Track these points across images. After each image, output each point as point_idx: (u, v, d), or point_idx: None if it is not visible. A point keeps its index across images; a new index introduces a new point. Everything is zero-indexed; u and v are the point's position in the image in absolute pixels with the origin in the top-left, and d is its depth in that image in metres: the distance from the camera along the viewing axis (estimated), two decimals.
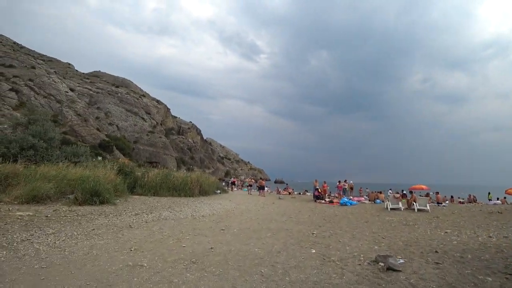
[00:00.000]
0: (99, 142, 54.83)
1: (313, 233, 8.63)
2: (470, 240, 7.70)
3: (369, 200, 19.70)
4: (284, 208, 15.36)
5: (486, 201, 24.27)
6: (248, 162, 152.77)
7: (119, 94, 78.54)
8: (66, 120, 54.57)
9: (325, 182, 22.02)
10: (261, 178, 29.84)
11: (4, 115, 44.69)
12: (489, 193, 26.43)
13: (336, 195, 21.27)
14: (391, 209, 14.69)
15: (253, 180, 27.26)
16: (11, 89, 53.80)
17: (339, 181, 21.67)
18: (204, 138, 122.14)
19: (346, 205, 16.95)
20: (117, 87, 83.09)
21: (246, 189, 35.53)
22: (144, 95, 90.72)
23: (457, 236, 8.34)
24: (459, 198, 25.68)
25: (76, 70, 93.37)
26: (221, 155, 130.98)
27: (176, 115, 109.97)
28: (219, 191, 24.61)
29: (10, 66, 62.84)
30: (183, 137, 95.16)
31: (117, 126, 71.18)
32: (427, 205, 14.34)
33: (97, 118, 67.80)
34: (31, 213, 8.65)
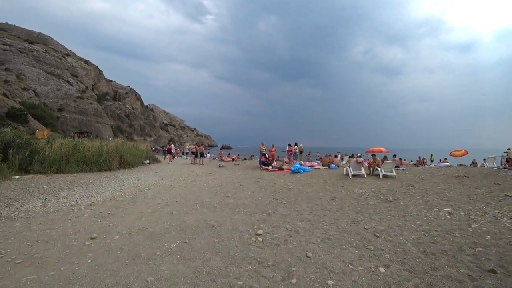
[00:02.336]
0: (7, 110, 44.16)
1: (257, 234, 4.88)
2: (501, 229, 4.63)
3: (323, 165, 16.86)
4: (221, 180, 11.50)
5: (430, 163, 23.50)
6: (194, 128, 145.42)
7: (34, 53, 64.38)
8: None
9: (273, 146, 18.52)
10: (197, 144, 25.26)
11: None
12: (431, 155, 25.84)
13: (286, 160, 18.08)
14: (352, 175, 11.75)
15: (195, 147, 22.68)
16: None
17: (289, 145, 18.38)
18: (146, 104, 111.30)
19: (298, 172, 13.72)
20: (31, 43, 68.08)
21: (185, 157, 31.03)
22: (69, 54, 76.52)
23: (474, 221, 5.29)
24: (411, 161, 24.60)
25: None
26: (165, 122, 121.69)
27: (112, 79, 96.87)
28: (147, 161, 19.81)
29: None
30: (120, 103, 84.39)
31: (34, 91, 58.80)
32: (393, 170, 11.67)
33: (6, 82, 54.87)
34: None
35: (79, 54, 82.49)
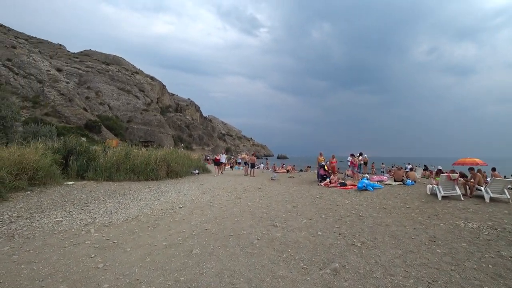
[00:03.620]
0: (85, 122, 48.82)
1: None
2: None
3: (395, 181, 13.63)
4: (271, 198, 9.33)
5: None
6: (251, 138, 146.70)
7: (110, 72, 71.62)
8: (48, 100, 48.47)
9: (333, 157, 15.66)
10: (247, 153, 23.42)
11: None
12: None
13: (348, 173, 15.22)
14: (443, 197, 8.59)
15: (246, 156, 21.08)
16: None
17: (352, 155, 15.41)
18: (205, 115, 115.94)
19: (366, 189, 10.88)
20: (107, 64, 75.93)
21: (237, 166, 29.70)
22: (137, 72, 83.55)
23: None
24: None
25: (68, 51, 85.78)
26: (223, 132, 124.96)
27: (175, 93, 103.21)
28: (197, 171, 18.72)
29: None
30: (181, 114, 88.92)
31: (108, 105, 64.98)
32: (505, 190, 8.22)
33: (87, 98, 61.55)
34: None
35: (146, 72, 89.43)
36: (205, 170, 20.70)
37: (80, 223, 6.07)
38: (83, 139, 34.41)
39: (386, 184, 13.08)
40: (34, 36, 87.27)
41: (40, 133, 19.03)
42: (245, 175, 19.47)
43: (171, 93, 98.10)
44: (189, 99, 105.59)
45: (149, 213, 7.07)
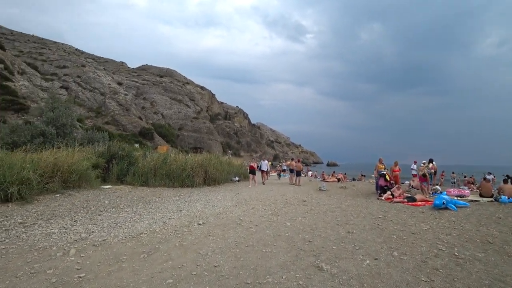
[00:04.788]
0: (140, 130, 51.43)
1: None
2: None
3: (481, 196, 10.43)
4: (317, 216, 7.15)
5: None
6: (299, 145, 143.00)
7: (163, 84, 75.64)
8: (109, 110, 52.27)
9: (395, 164, 12.56)
10: (293, 159, 20.98)
11: None
12: None
13: (412, 184, 12.27)
14: None
15: (293, 163, 19.03)
16: (62, 87, 53.44)
17: (415, 162, 12.18)
18: (254, 123, 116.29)
19: (447, 208, 8.09)
20: (161, 77, 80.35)
21: (284, 174, 27.63)
22: (188, 82, 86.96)
23: None
24: None
25: (128, 67, 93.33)
26: (271, 139, 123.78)
27: (224, 102, 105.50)
28: (236, 179, 17.22)
29: (64, 66, 63.37)
30: (230, 122, 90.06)
31: (162, 114, 68.26)
32: None
33: (142, 108, 65.48)
34: None
35: (196, 82, 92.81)
36: (247, 178, 19.16)
37: (70, 238, 4.98)
38: (137, 145, 35.99)
39: (470, 200, 9.98)
40: (101, 56, 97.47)
41: (94, 139, 19.90)
42: (290, 184, 17.43)
43: (220, 102, 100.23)
44: (237, 107, 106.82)
45: (157, 230, 5.57)
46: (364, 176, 26.19)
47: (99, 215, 6.79)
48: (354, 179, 23.99)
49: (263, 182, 17.02)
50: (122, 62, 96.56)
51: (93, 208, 7.46)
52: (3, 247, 4.47)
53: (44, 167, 9.52)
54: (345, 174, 24.75)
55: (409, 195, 10.37)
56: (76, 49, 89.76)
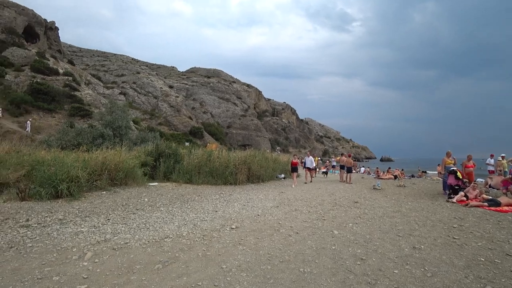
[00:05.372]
0: (190, 129, 53.43)
1: None
2: None
3: None
4: (372, 223, 5.79)
5: None
6: (350, 139, 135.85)
7: (211, 84, 77.63)
8: (161, 112, 55.24)
9: (469, 159, 10.22)
10: (343, 154, 19.07)
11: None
12: None
13: (494, 183, 10.02)
14: None
15: (343, 158, 17.50)
16: (120, 93, 58.11)
17: (491, 156, 9.70)
18: (302, 118, 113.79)
19: None
20: (209, 78, 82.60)
21: (333, 170, 25.91)
22: (235, 81, 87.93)
23: None
24: None
25: (178, 71, 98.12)
26: (320, 134, 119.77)
27: (271, 98, 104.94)
28: (282, 176, 16.29)
29: (122, 75, 69.15)
30: (277, 118, 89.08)
31: (211, 113, 70.12)
32: None
33: (193, 108, 67.99)
34: None
35: (242, 81, 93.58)
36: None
37: (94, 239, 4.71)
38: (187, 143, 37.32)
39: None
40: (154, 62, 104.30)
41: (146, 139, 21.02)
42: (340, 181, 15.94)
43: (267, 98, 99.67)
44: (284, 102, 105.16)
45: (184, 234, 4.98)
46: (425, 172, 23.20)
47: (133, 213, 6.58)
48: (413, 176, 21.30)
49: (306, 182, 14.98)
50: (173, 67, 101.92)
51: (131, 206, 7.35)
52: (30, 245, 4.40)
53: (93, 165, 9.96)
54: (402, 170, 22.11)
55: (490, 197, 8.38)
56: (132, 59, 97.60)
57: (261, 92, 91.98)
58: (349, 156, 17.03)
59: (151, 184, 11.56)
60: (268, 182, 14.19)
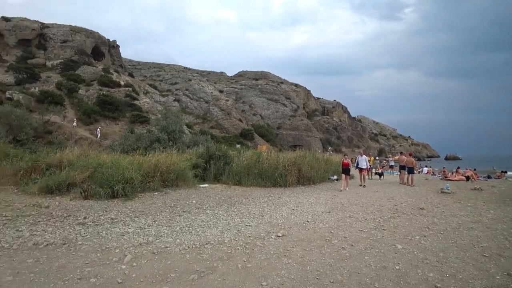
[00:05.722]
0: (240, 131, 54.38)
1: None
2: None
3: None
4: (445, 237, 4.70)
5: None
6: (409, 137, 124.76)
7: (259, 86, 78.23)
8: (213, 116, 57.24)
9: None
10: (402, 153, 17.07)
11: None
12: None
13: None
14: None
15: (403, 158, 15.82)
16: (174, 100, 61.89)
17: None
18: (354, 116, 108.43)
19: None
20: (257, 80, 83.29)
21: (390, 171, 23.72)
22: (282, 82, 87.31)
23: None
24: None
25: (227, 76, 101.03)
26: (375, 131, 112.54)
27: (320, 97, 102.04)
28: (335, 177, 15.24)
29: (175, 83, 73.95)
30: (328, 117, 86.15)
31: (260, 115, 70.56)
32: None
33: (242, 111, 69.22)
34: None
35: (290, 81, 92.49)
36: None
37: (136, 241, 4.70)
38: (238, 145, 38.02)
39: None
40: (204, 69, 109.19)
41: (198, 142, 21.93)
42: (400, 183, 14.34)
43: (317, 97, 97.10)
44: (335, 100, 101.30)
45: (226, 240, 4.68)
46: (505, 172, 19.78)
47: (180, 215, 6.57)
48: (489, 177, 18.21)
49: (361, 184, 13.57)
50: (222, 72, 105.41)
51: (178, 208, 7.38)
52: (80, 243, 4.57)
53: (146, 168, 10.35)
54: (475, 170, 19.08)
55: None
56: (184, 68, 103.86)
57: (309, 91, 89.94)
58: (410, 155, 15.24)
59: (201, 185, 11.66)
60: (319, 184, 13.37)
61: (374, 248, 4.22)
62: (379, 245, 4.38)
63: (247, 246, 4.38)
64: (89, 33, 53.33)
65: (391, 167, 23.96)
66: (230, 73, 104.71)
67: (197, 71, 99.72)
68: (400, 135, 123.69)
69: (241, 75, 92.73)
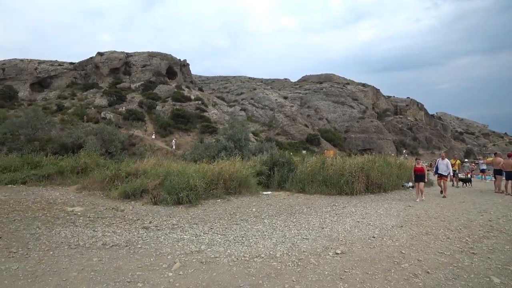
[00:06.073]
0: (306, 137, 53.27)
1: None
2: None
3: None
4: None
5: None
6: (505, 133, 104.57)
7: (324, 89, 75.76)
8: (278, 123, 57.47)
9: None
10: (496, 154, 13.78)
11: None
12: None
13: None
14: None
15: (498, 160, 13.14)
16: (241, 109, 64.35)
17: None
18: (432, 113, 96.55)
19: None
20: (321, 83, 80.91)
21: (480, 176, 19.93)
22: (348, 83, 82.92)
23: None
24: None
25: (291, 82, 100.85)
26: (459, 130, 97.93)
27: (391, 95, 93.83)
28: (409, 184, 13.42)
29: (241, 93, 76.88)
30: (401, 116, 78.51)
31: (326, 119, 68.16)
32: None
33: (308, 116, 67.91)
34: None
35: (357, 81, 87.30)
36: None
37: (189, 249, 4.74)
38: (304, 151, 37.30)
39: None
40: (268, 78, 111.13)
41: (263, 149, 22.28)
42: (495, 192, 11.85)
43: (387, 96, 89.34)
44: (408, 98, 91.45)
45: (277, 254, 4.32)
46: None
47: (236, 224, 6.48)
48: None
49: (441, 194, 11.24)
50: (286, 79, 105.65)
51: (237, 216, 7.34)
52: (140, 246, 4.80)
53: (210, 175, 10.67)
54: None
55: None
56: (249, 78, 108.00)
57: (378, 90, 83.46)
58: (509, 156, 12.48)
59: (264, 193, 11.52)
60: (391, 192, 11.91)
61: (458, 279, 3.31)
62: (466, 275, 3.43)
63: (299, 263, 3.94)
64: (164, 56, 61.08)
65: (482, 171, 20.10)
66: (294, 78, 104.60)
67: (261, 80, 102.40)
68: (493, 132, 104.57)
69: (304, 79, 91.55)
